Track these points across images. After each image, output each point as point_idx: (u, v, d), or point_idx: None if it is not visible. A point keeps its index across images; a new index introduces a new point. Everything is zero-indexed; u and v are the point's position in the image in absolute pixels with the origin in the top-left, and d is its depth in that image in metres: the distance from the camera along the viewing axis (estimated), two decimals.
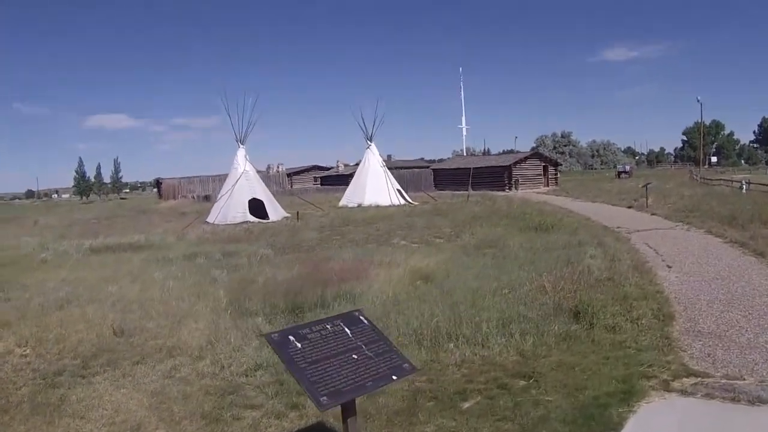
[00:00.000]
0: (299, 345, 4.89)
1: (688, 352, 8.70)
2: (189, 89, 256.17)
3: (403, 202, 43.68)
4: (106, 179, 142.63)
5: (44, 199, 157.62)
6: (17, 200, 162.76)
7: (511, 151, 74.84)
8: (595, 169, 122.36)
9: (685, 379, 7.62)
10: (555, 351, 8.89)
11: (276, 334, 5.04)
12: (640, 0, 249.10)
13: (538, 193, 55.11)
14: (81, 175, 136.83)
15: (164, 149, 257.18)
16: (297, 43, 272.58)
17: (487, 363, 8.53)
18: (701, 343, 9.06)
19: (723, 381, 7.52)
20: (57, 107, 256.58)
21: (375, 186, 43.89)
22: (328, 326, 5.17)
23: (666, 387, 7.39)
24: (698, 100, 78.12)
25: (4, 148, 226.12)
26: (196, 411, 7.17)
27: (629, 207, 32.48)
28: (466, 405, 7.22)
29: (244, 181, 38.06)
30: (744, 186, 36.83)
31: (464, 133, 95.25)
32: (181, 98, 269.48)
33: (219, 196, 40.10)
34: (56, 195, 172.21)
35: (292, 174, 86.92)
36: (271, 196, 40.06)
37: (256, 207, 37.59)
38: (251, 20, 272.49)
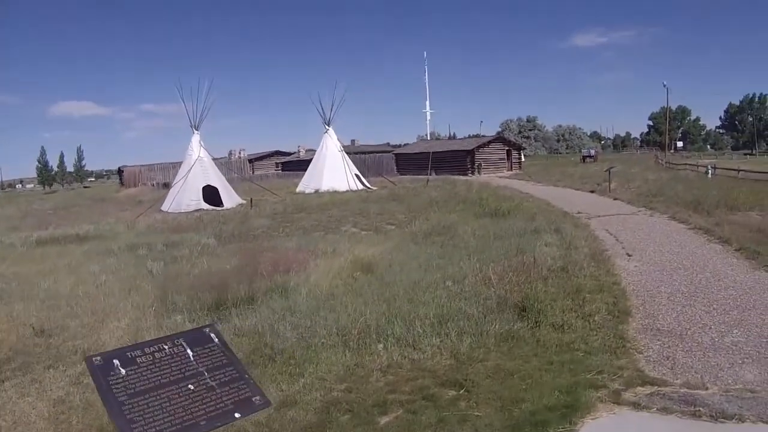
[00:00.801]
0: (123, 371, 3.74)
1: (645, 354, 7.68)
2: (157, 75, 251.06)
3: (361, 187, 42.48)
4: (70, 168, 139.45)
5: (7, 189, 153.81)
6: None
7: (476, 136, 73.67)
8: (561, 153, 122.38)
9: (639, 389, 6.55)
10: (494, 354, 7.80)
11: (99, 357, 3.87)
12: None
13: (501, 177, 54.14)
14: (44, 165, 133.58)
15: (131, 136, 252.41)
16: (262, 27, 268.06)
17: (417, 368, 7.46)
18: (659, 343, 8.03)
19: (683, 390, 6.45)
20: (21, 95, 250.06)
21: (332, 171, 42.65)
22: (166, 346, 3.98)
23: (616, 399, 6.30)
24: (664, 85, 78.30)
25: None
26: (93, 423, 6.31)
27: (591, 191, 31.57)
28: (384, 420, 6.16)
29: (198, 168, 36.83)
30: (710, 171, 36.15)
31: (428, 117, 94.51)
32: (148, 85, 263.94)
33: (173, 183, 38.61)
34: (20, 185, 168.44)
35: (253, 160, 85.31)
36: (226, 182, 38.83)
37: (211, 194, 36.43)
38: (214, 4, 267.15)
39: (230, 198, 36.70)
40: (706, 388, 6.46)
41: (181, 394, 3.73)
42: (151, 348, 3.96)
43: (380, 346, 8.11)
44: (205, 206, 34.58)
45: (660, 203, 23.20)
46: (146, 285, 12.54)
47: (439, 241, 16.44)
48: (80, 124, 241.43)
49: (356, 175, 43.81)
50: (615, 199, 26.94)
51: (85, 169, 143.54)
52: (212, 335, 4.23)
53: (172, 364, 3.90)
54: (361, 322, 8.63)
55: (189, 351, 4.01)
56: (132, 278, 13.51)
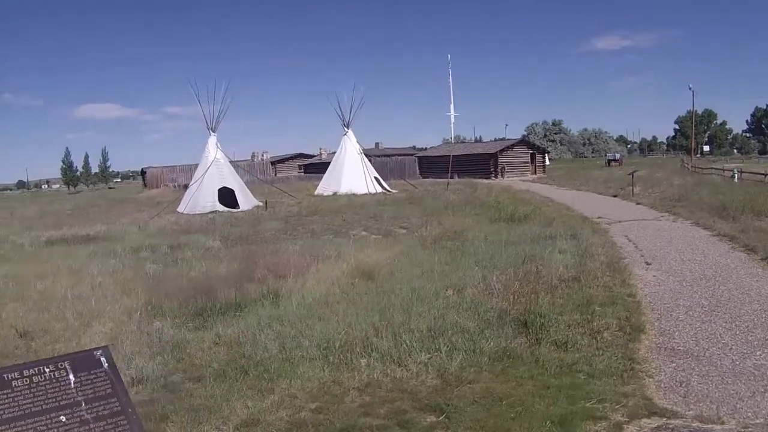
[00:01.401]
0: None
1: (655, 378, 6.86)
2: (180, 77, 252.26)
3: (380, 190, 41.77)
4: (95, 169, 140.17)
5: (33, 189, 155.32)
6: (8, 191, 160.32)
7: (502, 140, 72.70)
8: (586, 157, 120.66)
9: (644, 421, 5.75)
10: (485, 374, 7.02)
11: None
12: None
13: (524, 180, 53.25)
14: (68, 165, 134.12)
15: (156, 138, 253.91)
16: (287, 29, 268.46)
17: (398, 388, 6.72)
18: (673, 366, 7.20)
19: (695, 425, 5.62)
20: (47, 97, 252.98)
21: (351, 174, 42.01)
22: (47, 369, 3.28)
23: None
24: (690, 88, 76.27)
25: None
26: None
27: (614, 196, 30.65)
28: None
29: (214, 170, 36.42)
30: (736, 175, 34.96)
31: (452, 120, 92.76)
32: (173, 87, 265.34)
33: (190, 184, 38.24)
34: (46, 185, 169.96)
35: (276, 162, 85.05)
36: (243, 184, 38.40)
37: (227, 196, 35.94)
38: (237, 6, 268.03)
39: (246, 200, 36.18)
40: (722, 422, 5.62)
41: (49, 427, 3.07)
42: (31, 371, 3.28)
43: (363, 361, 7.42)
44: (221, 208, 34.03)
45: (684, 208, 22.21)
46: (140, 288, 12.04)
47: (448, 246, 15.72)
48: (105, 126, 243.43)
49: (375, 178, 43.11)
50: (638, 203, 25.96)
51: (110, 170, 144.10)
52: (102, 359, 3.51)
53: (49, 391, 3.24)
54: (348, 333, 8.07)
55: (71, 376, 3.32)
56: (128, 281, 13.01)
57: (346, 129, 44.17)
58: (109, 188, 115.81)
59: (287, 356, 7.51)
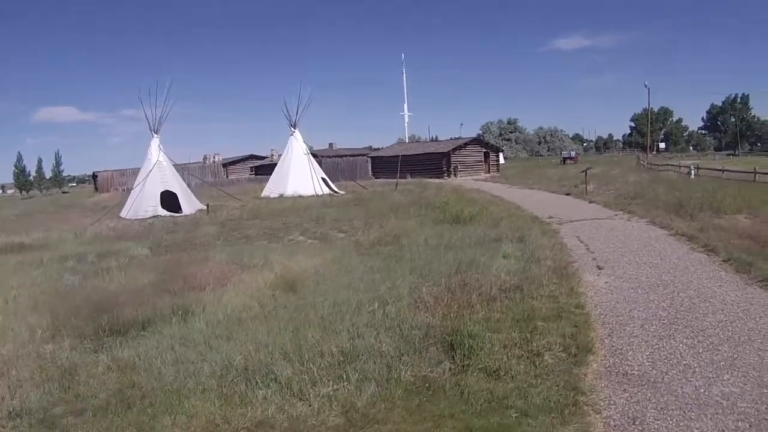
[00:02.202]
0: None
1: (603, 414, 5.66)
2: (138, 80, 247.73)
3: (327, 191, 40.46)
4: (48, 173, 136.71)
5: None
6: None
7: (456, 139, 71.68)
8: (542, 155, 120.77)
9: None
10: (398, 411, 5.78)
11: None
12: None
13: (476, 180, 52.16)
14: (21, 170, 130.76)
15: (115, 141, 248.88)
16: (246, 28, 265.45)
17: (293, 429, 5.53)
18: (625, 396, 5.98)
19: None
20: (3, 99, 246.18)
21: (298, 175, 40.53)
22: None
23: None
24: (646, 86, 76.05)
25: None
26: None
27: (567, 194, 29.58)
28: None
29: (156, 173, 34.63)
30: (693, 171, 34.30)
31: (406, 119, 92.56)
32: (130, 90, 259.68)
33: (132, 188, 36.53)
34: (1, 190, 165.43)
35: (228, 164, 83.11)
36: (186, 187, 36.78)
37: (170, 200, 34.25)
38: (195, 8, 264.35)
39: (190, 204, 34.58)
40: None
41: None
42: None
43: (261, 392, 6.21)
44: (163, 212, 32.50)
45: (639, 206, 21.13)
46: (51, 303, 10.96)
47: (384, 251, 14.45)
48: (63, 130, 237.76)
49: (323, 179, 41.77)
50: (591, 202, 24.87)
51: (65, 174, 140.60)
52: None
53: None
54: (252, 357, 7.08)
55: None
56: (42, 294, 11.96)
57: (292, 129, 42.67)
58: (63, 193, 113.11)
59: (180, 386, 6.49)
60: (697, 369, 6.47)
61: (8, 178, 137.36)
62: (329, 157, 66.73)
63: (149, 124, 35.63)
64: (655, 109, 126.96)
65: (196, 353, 7.45)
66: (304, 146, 42.49)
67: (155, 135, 35.82)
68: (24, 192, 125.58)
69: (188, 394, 6.27)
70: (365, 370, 6.55)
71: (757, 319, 8.07)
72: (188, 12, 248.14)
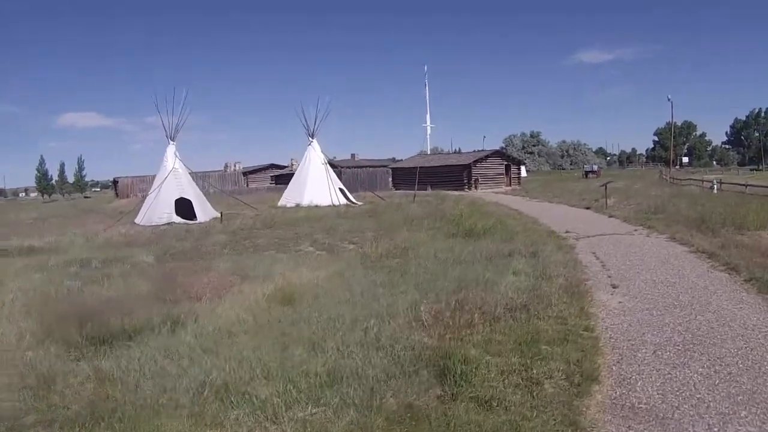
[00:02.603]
0: None
1: None
2: (161, 88, 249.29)
3: (344, 202, 40.03)
4: (71, 178, 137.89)
5: (11, 197, 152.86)
6: None
7: (479, 151, 71.07)
8: (564, 169, 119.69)
9: None
10: None
11: None
12: (615, 1, 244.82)
13: (497, 192, 51.44)
14: (43, 174, 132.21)
15: (137, 148, 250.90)
16: (267, 36, 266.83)
17: None
18: None
19: None
20: (27, 105, 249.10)
21: (315, 185, 40.18)
22: None
23: None
24: (669, 99, 74.43)
25: None
26: None
27: (587, 208, 28.77)
28: None
29: (172, 180, 34.42)
30: (715, 186, 33.41)
31: (428, 131, 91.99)
32: (152, 97, 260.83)
33: (148, 195, 36.35)
34: (24, 194, 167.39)
35: (248, 173, 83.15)
36: (202, 195, 36.56)
37: (185, 207, 33.99)
38: (224, 14, 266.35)
39: (204, 211, 34.36)
40: None
41: None
42: None
43: (234, 413, 5.81)
44: (177, 219, 32.26)
45: (660, 221, 20.42)
46: (47, 307, 10.83)
47: (392, 265, 13.91)
48: (87, 135, 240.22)
49: (340, 190, 41.37)
50: (611, 216, 24.12)
51: (87, 179, 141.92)
52: None
53: None
54: (233, 374, 6.73)
55: None
56: (40, 299, 11.66)
57: (311, 139, 42.34)
58: (85, 198, 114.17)
59: (154, 401, 6.14)
60: (711, 404, 5.87)
61: (31, 182, 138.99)
62: (349, 167, 66.36)
63: (165, 131, 35.57)
64: (679, 123, 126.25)
65: (178, 367, 7.11)
66: (322, 156, 42.11)
67: (171, 142, 35.74)
68: (46, 196, 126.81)
69: (160, 410, 5.93)
70: (347, 394, 6.07)
71: None
72: (212, 19, 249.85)
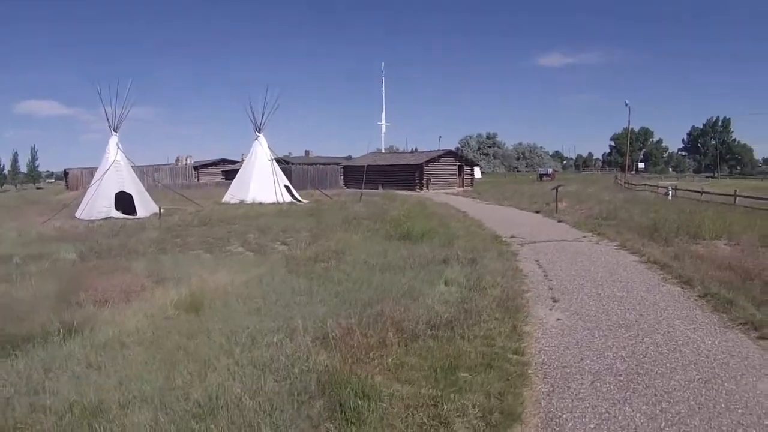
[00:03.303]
0: None
1: None
2: (121, 79, 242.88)
3: (289, 200, 38.59)
4: (24, 168, 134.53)
5: None
6: None
7: (432, 152, 70.07)
8: (520, 171, 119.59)
9: None
10: None
11: None
12: (576, 7, 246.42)
13: (448, 193, 50.29)
14: None
15: (94, 138, 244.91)
16: (226, 31, 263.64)
17: None
18: None
19: None
20: None
21: (260, 182, 38.62)
22: None
23: None
24: (626, 104, 74.72)
25: None
26: None
27: (537, 212, 27.75)
28: None
29: (113, 173, 32.87)
30: (670, 192, 32.80)
31: (383, 129, 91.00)
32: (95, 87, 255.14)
33: (88, 188, 34.86)
34: None
35: (199, 167, 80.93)
36: (143, 189, 35.04)
37: (125, 201, 32.61)
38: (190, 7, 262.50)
39: (145, 206, 32.99)
40: None
41: None
42: None
43: None
44: (116, 214, 30.92)
45: (610, 228, 19.43)
46: None
47: (317, 270, 12.76)
48: (45, 124, 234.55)
49: (286, 187, 39.94)
50: (560, 221, 23.09)
51: (43, 170, 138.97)
52: None
53: None
54: (99, 396, 5.91)
55: None
56: None
57: (257, 133, 40.79)
58: (37, 188, 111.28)
59: (12, 425, 5.45)
60: None
61: None
62: (302, 164, 64.99)
63: (108, 121, 34.02)
64: (636, 129, 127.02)
65: (58, 382, 6.42)
66: (269, 152, 40.64)
67: (114, 133, 34.19)
68: None
69: None
70: (220, 430, 5.04)
71: (738, 378, 6.38)
72: (170, 7, 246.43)
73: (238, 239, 19.45)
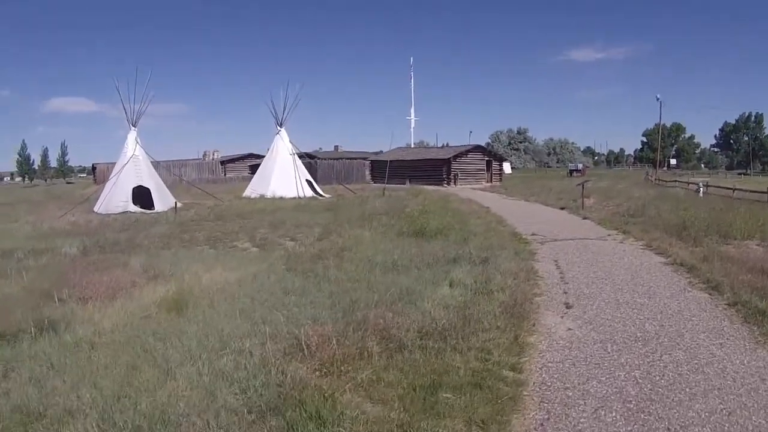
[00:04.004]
0: None
1: None
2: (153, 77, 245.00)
3: (310, 194, 38.05)
4: (54, 163, 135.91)
5: None
6: None
7: (460, 146, 68.94)
8: (551, 167, 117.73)
9: None
10: None
11: None
12: (607, 1, 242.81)
13: (474, 189, 49.12)
14: (25, 159, 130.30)
15: (125, 135, 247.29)
16: (257, 28, 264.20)
17: None
18: None
19: None
20: (17, 88, 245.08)
21: (281, 176, 38.19)
22: None
23: None
24: (658, 98, 72.74)
25: None
26: None
27: (562, 208, 26.63)
28: None
29: (131, 167, 32.83)
30: (701, 189, 31.46)
31: (412, 124, 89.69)
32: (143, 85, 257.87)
33: (107, 182, 34.72)
34: (9, 178, 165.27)
35: (226, 162, 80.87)
36: (162, 183, 34.87)
37: (143, 196, 32.48)
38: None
39: (163, 201, 32.64)
40: None
41: None
42: None
43: None
44: (133, 209, 30.84)
45: (637, 226, 18.33)
46: None
47: (317, 268, 11.94)
48: (76, 121, 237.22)
49: (308, 181, 39.43)
50: (585, 218, 22.05)
51: (75, 164, 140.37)
52: None
53: None
54: (56, 402, 5.53)
55: None
56: None
57: (279, 128, 40.40)
58: (67, 183, 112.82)
59: None
60: None
61: (14, 166, 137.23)
62: (329, 159, 64.34)
63: (127, 116, 34.02)
64: (668, 125, 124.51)
65: (14, 383, 6.19)
66: (290, 146, 40.09)
67: (133, 128, 34.25)
68: (28, 181, 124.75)
69: None
70: None
71: None
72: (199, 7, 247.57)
73: (247, 235, 19.10)
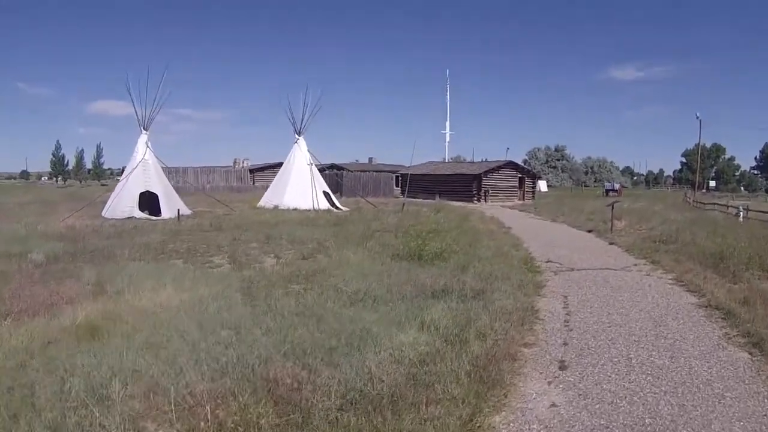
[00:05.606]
0: None
1: None
2: (194, 83, 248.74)
3: (327, 207, 36.30)
4: (90, 165, 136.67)
5: (32, 181, 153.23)
6: (11, 180, 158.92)
7: (493, 162, 66.84)
8: (588, 186, 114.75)
9: None
10: None
11: None
12: (649, 20, 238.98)
13: (504, 206, 46.57)
14: (59, 159, 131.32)
15: (168, 140, 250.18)
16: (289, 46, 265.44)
17: None
18: None
19: None
20: (61, 89, 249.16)
21: (297, 187, 36.62)
22: None
23: None
24: (697, 117, 69.66)
25: (5, 128, 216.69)
26: None
27: (589, 231, 24.39)
28: None
29: (140, 172, 31.64)
30: (741, 212, 29.15)
31: (447, 138, 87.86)
32: (185, 91, 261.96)
33: (117, 186, 33.61)
34: (46, 178, 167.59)
35: (255, 170, 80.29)
36: (171, 189, 33.70)
37: (151, 201, 31.39)
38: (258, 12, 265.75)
39: (171, 208, 31.30)
40: None
41: None
42: None
43: None
44: (138, 214, 29.70)
45: (668, 254, 16.09)
46: None
47: (275, 294, 10.21)
48: (118, 123, 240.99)
49: (325, 193, 37.79)
50: (611, 243, 19.81)
51: (108, 167, 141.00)
52: None
53: None
54: None
55: None
56: None
57: (297, 136, 38.79)
58: (102, 185, 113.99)
59: None
60: None
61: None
62: (353, 171, 62.76)
63: (138, 119, 32.88)
64: (708, 146, 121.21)
65: None
66: (308, 156, 38.42)
67: (144, 131, 33.07)
68: (60, 181, 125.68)
69: None
70: None
71: None
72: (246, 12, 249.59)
73: (231, 249, 17.47)
